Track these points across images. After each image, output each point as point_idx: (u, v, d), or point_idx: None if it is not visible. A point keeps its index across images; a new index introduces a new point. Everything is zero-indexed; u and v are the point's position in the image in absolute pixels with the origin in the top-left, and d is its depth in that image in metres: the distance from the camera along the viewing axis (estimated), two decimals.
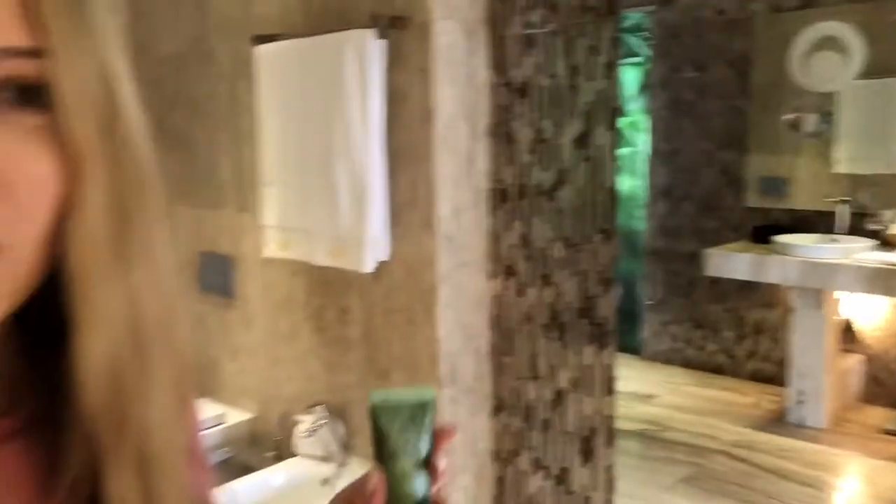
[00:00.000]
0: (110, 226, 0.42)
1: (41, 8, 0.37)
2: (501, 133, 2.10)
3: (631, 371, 4.10)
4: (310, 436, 2.33)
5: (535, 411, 2.15)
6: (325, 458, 2.31)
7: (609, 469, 2.03)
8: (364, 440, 2.30)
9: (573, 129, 1.97)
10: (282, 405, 2.53)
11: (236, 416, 2.63)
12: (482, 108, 2.10)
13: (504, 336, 2.18)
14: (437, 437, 0.49)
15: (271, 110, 2.25)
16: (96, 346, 0.43)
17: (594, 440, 2.04)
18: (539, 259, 2.07)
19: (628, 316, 4.36)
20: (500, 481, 2.26)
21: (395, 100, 2.04)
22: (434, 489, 0.49)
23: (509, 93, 2.07)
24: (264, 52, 2.25)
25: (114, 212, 0.42)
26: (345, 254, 2.12)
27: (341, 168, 2.07)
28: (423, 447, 0.49)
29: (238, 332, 2.69)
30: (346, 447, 2.33)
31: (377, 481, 0.47)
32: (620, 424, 2.15)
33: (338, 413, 2.37)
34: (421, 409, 0.50)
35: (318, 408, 2.39)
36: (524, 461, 2.19)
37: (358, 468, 2.27)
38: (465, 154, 2.07)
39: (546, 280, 2.07)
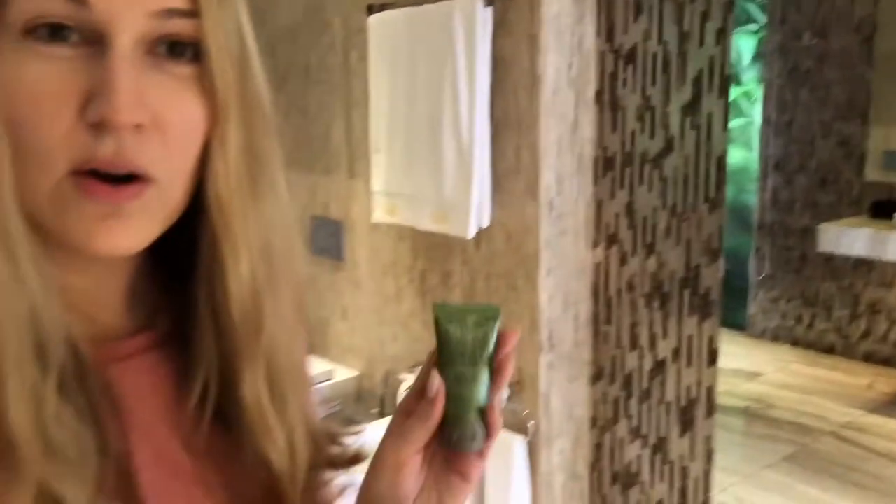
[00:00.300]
0: (245, 163, 0.49)
1: None
2: (608, 100, 2.09)
3: (737, 348, 4.02)
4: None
5: (634, 380, 2.15)
6: None
7: (708, 440, 2.03)
8: None
9: (682, 96, 1.94)
10: (386, 364, 2.62)
11: (343, 374, 2.75)
12: (589, 75, 2.09)
13: (605, 304, 2.19)
14: (500, 343, 0.52)
15: (382, 78, 2.32)
16: (241, 267, 0.50)
17: (694, 411, 2.04)
18: (643, 228, 2.07)
19: (735, 292, 4.25)
20: (598, 448, 2.28)
21: (502, 67, 2.07)
22: (494, 395, 0.52)
23: (617, 60, 2.06)
24: (376, 22, 2.31)
25: (248, 151, 0.49)
26: (448, 219, 2.17)
27: (447, 135, 2.11)
28: (483, 356, 0.51)
29: (347, 293, 2.79)
30: None
31: (438, 385, 0.51)
32: (724, 401, 2.14)
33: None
34: (483, 320, 0.51)
35: (420, 368, 2.47)
36: (622, 429, 2.21)
37: None
38: (570, 121, 2.07)
39: (649, 249, 2.06)
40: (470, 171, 2.07)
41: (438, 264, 2.41)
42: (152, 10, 0.43)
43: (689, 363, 2.03)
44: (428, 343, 2.20)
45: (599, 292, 2.19)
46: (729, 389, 2.98)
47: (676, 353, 2.05)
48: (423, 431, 0.52)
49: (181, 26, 0.45)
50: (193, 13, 0.44)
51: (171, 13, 0.44)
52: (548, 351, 2.13)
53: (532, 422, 2.16)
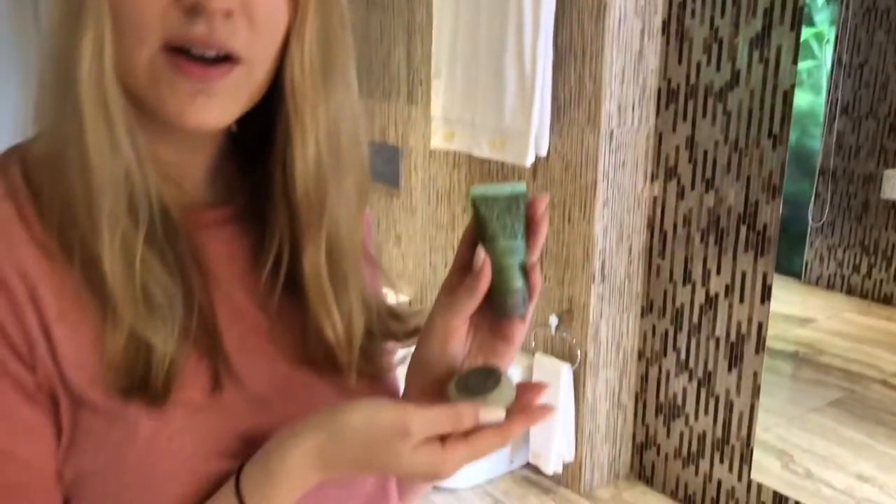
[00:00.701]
0: (320, 54, 0.53)
1: None
2: (674, 31, 2.06)
3: (790, 294, 3.97)
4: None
5: (684, 315, 2.17)
6: None
7: (755, 376, 2.04)
8: None
9: (751, 28, 1.90)
10: (437, 290, 2.67)
11: (394, 299, 2.80)
12: (656, 5, 2.06)
13: (659, 238, 2.19)
14: (531, 210, 0.56)
15: (446, 4, 2.30)
16: (308, 149, 0.55)
17: (743, 346, 2.05)
18: (703, 162, 2.05)
19: (792, 238, 4.17)
20: (643, 379, 2.31)
21: None
22: (531, 257, 0.56)
23: None
24: None
25: (323, 43, 0.52)
26: (506, 147, 2.18)
27: (509, 62, 2.10)
28: (519, 228, 0.56)
29: (401, 219, 2.83)
30: None
31: (484, 259, 0.55)
32: (773, 345, 2.13)
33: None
34: (515, 198, 0.56)
35: None
36: (669, 362, 2.23)
37: None
38: (635, 51, 2.05)
39: (708, 184, 2.05)
40: (531, 99, 2.07)
41: None
42: None
43: (741, 299, 2.03)
44: None
45: (655, 226, 2.19)
46: (779, 334, 2.95)
47: (729, 288, 2.05)
48: (469, 302, 0.55)
49: None
50: None
51: None
52: (599, 282, 2.15)
53: (580, 351, 2.19)
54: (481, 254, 0.55)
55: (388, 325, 0.64)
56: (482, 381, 0.52)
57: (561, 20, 2.06)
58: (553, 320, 2.18)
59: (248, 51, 0.50)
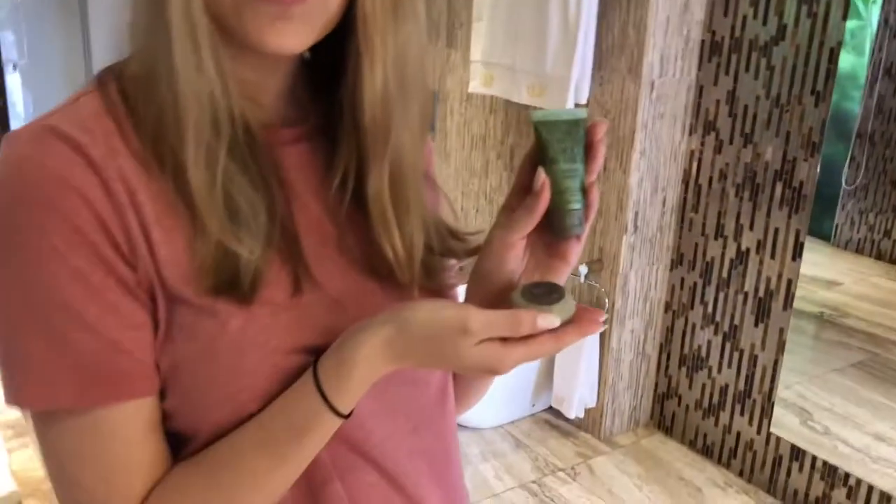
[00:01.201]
0: (370, 15, 0.55)
1: None
2: None
3: (818, 256, 3.95)
4: (477, 234, 2.49)
5: (713, 269, 2.18)
6: None
7: (781, 332, 2.06)
8: None
9: None
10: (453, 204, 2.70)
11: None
12: None
13: (694, 192, 2.19)
14: (590, 133, 0.58)
15: None
16: (377, 77, 0.58)
17: (771, 302, 2.07)
18: (742, 117, 2.04)
19: (824, 200, 4.15)
20: (669, 331, 2.34)
21: None
22: (590, 177, 0.59)
23: None
24: None
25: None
26: (546, 93, 2.18)
27: (554, 8, 2.09)
28: (579, 152, 0.58)
29: (434, 163, 2.85)
30: None
31: (543, 179, 0.58)
32: (798, 305, 2.14)
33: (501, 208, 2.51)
34: (575, 123, 0.58)
35: None
36: (696, 315, 2.26)
37: None
38: (681, 2, 2.03)
39: (746, 139, 2.05)
40: (573, 46, 2.06)
41: (530, 140, 2.44)
42: None
43: (772, 255, 2.04)
44: None
45: (690, 179, 2.20)
46: (805, 295, 2.96)
47: (760, 244, 2.06)
48: (528, 220, 0.58)
49: None
50: None
51: None
52: (632, 233, 2.17)
53: (608, 300, 2.22)
54: (541, 175, 0.58)
55: (448, 244, 0.67)
56: (547, 293, 0.55)
57: None
58: (583, 269, 2.21)
59: None
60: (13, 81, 4.12)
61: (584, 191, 0.59)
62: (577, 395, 2.28)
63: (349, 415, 0.54)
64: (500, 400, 2.33)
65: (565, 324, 0.54)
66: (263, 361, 0.54)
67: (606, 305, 2.22)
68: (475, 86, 2.42)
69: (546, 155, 0.58)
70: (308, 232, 0.60)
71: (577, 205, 0.59)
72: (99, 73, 0.57)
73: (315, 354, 0.55)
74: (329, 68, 0.62)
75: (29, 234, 0.50)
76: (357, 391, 0.54)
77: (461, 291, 0.69)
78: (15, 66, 4.22)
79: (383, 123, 0.59)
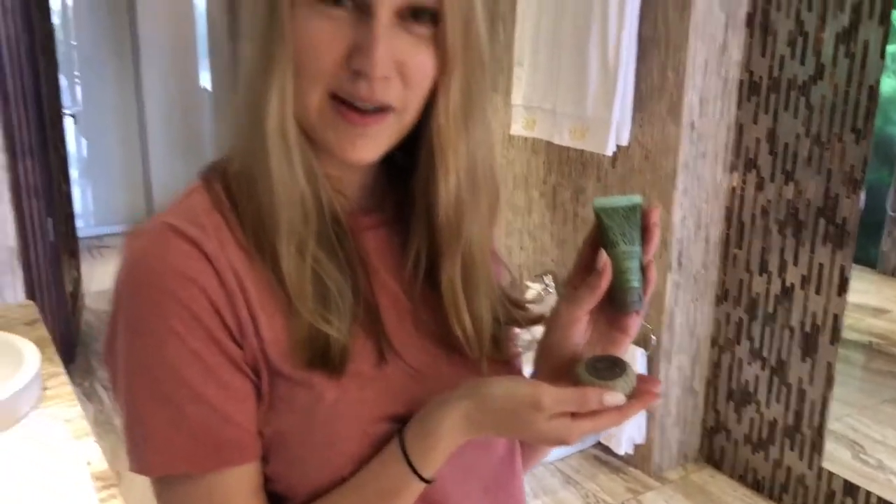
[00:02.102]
0: (462, 101, 0.62)
1: None
2: (759, 23, 2.07)
3: (864, 284, 3.92)
4: (537, 302, 2.53)
5: (759, 304, 2.20)
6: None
7: (829, 367, 2.07)
8: None
9: (838, 22, 1.91)
10: (512, 271, 2.74)
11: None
12: None
13: (737, 228, 2.22)
14: (645, 220, 0.64)
15: None
16: (450, 182, 0.64)
17: (818, 337, 2.08)
18: (783, 154, 2.07)
19: (869, 227, 4.12)
20: (716, 366, 2.36)
21: None
22: (647, 258, 0.64)
23: None
24: None
25: (465, 92, 0.62)
26: (587, 135, 2.23)
27: (593, 52, 2.15)
28: (636, 235, 0.64)
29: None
30: None
31: (605, 260, 0.63)
32: (846, 334, 2.15)
33: (565, 284, 2.55)
34: (632, 209, 0.64)
35: (546, 277, 2.58)
36: (742, 350, 2.27)
37: None
38: (719, 43, 2.07)
39: (788, 176, 2.07)
40: (613, 89, 2.12)
41: (571, 179, 2.49)
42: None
43: (817, 291, 2.05)
44: (553, 254, 2.32)
45: (733, 216, 2.22)
46: (852, 324, 2.95)
47: (805, 280, 2.07)
48: (592, 298, 0.64)
49: (425, 1, 0.58)
50: None
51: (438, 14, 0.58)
52: (676, 270, 2.20)
53: (654, 337, 2.25)
54: (603, 256, 0.63)
55: (511, 314, 0.73)
56: (610, 367, 0.61)
57: (646, 11, 2.10)
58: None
59: (400, 102, 0.60)
60: (68, 128, 4.27)
61: (643, 269, 0.64)
62: (626, 431, 2.30)
63: (432, 479, 0.60)
64: None
65: (629, 396, 0.59)
66: (355, 429, 0.60)
67: (653, 342, 2.25)
68: (517, 129, 2.48)
69: (607, 238, 0.64)
70: (387, 308, 0.65)
71: (636, 283, 0.64)
72: (203, 170, 0.64)
73: (399, 422, 0.61)
74: (405, 160, 0.68)
75: (154, 320, 0.57)
76: (440, 459, 0.59)
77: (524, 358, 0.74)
78: (71, 115, 4.39)
79: (455, 223, 0.65)
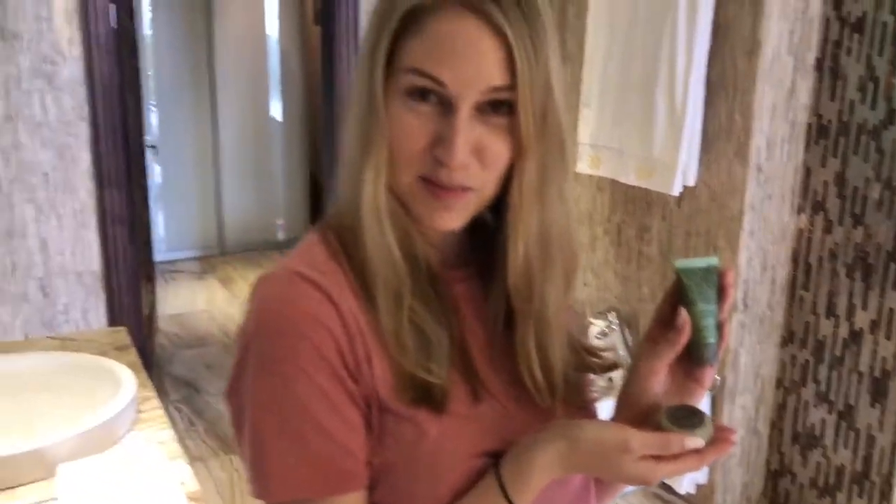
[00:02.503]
0: (537, 180, 0.69)
1: (513, 61, 0.63)
2: (828, 68, 2.09)
3: None
4: (601, 338, 2.55)
5: (826, 347, 2.19)
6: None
7: None
8: None
9: None
10: (576, 307, 2.77)
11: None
12: (811, 42, 2.09)
13: (804, 270, 2.22)
14: (721, 280, 0.69)
15: (599, 36, 2.41)
16: (519, 253, 0.70)
17: (888, 382, 2.05)
18: (852, 198, 2.07)
19: None
20: (781, 408, 2.34)
21: (722, 32, 2.11)
22: (722, 315, 0.69)
23: (843, 27, 2.04)
24: None
25: (540, 172, 0.68)
26: (653, 175, 2.26)
27: (660, 94, 2.19)
28: (713, 294, 0.69)
29: None
30: (634, 352, 2.53)
31: (685, 318, 0.68)
32: None
33: (628, 321, 2.57)
34: (709, 270, 0.69)
35: (609, 314, 2.61)
36: (808, 392, 2.25)
37: None
38: (787, 87, 2.09)
39: (856, 220, 2.07)
40: (680, 131, 2.15)
41: (636, 218, 2.52)
42: (484, 88, 0.64)
43: (887, 336, 2.03)
44: (616, 291, 2.34)
45: (800, 258, 2.22)
46: None
47: (875, 324, 2.06)
48: (671, 352, 0.69)
49: (501, 94, 0.64)
50: (511, 86, 0.64)
51: (497, 89, 0.64)
52: (741, 311, 2.20)
53: (718, 377, 2.25)
54: (683, 314, 0.68)
55: (586, 361, 0.78)
56: (689, 416, 0.66)
57: (714, 55, 2.13)
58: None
59: (479, 183, 0.67)
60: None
61: (718, 326, 0.69)
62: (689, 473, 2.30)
63: None
64: None
65: (706, 445, 0.64)
66: (455, 462, 0.66)
67: (717, 382, 2.25)
68: (583, 167, 2.52)
69: (686, 297, 0.69)
70: (477, 352, 0.72)
71: (712, 339, 0.69)
72: (320, 223, 0.72)
73: (492, 456, 0.67)
74: (494, 220, 0.75)
75: (286, 359, 0.63)
76: (533, 493, 0.65)
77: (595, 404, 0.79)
78: (152, 146, 4.58)
79: (525, 288, 0.71)
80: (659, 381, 0.71)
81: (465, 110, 0.64)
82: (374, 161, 0.66)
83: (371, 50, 0.66)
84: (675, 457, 0.63)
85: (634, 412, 0.71)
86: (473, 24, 0.63)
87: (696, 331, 0.68)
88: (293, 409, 0.63)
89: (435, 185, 0.66)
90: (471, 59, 0.63)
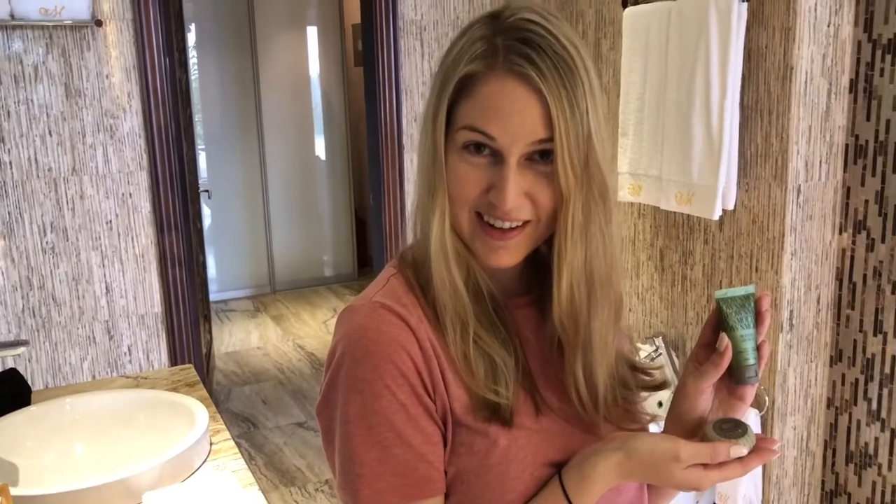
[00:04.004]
0: (581, 223, 0.76)
1: (552, 117, 0.71)
2: (862, 89, 2.12)
3: None
4: (656, 367, 2.58)
5: (875, 365, 2.19)
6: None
7: None
8: None
9: None
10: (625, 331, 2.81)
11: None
12: (844, 64, 2.13)
13: (848, 289, 2.23)
14: (758, 306, 0.76)
15: (633, 67, 2.48)
16: (563, 288, 0.78)
17: None
18: (893, 216, 2.09)
19: None
20: (833, 427, 2.34)
21: (755, 58, 2.16)
22: (760, 338, 0.76)
23: (875, 49, 2.08)
24: (630, 13, 2.47)
25: (583, 211, 0.76)
26: (693, 201, 2.31)
27: (697, 121, 2.24)
28: (751, 319, 0.76)
29: None
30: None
31: (727, 343, 0.75)
32: None
33: (674, 345, 2.60)
34: (747, 297, 0.76)
35: (656, 339, 2.64)
36: (860, 411, 2.25)
37: None
38: (822, 109, 2.13)
39: None
40: (718, 156, 2.19)
41: (679, 242, 2.56)
42: (529, 141, 0.72)
43: None
44: (662, 316, 2.38)
45: (844, 277, 2.24)
46: None
47: None
48: (715, 373, 0.76)
49: (545, 146, 0.73)
50: (550, 139, 0.72)
51: (540, 141, 0.73)
52: (787, 331, 2.22)
53: (767, 397, 2.26)
54: (724, 339, 0.76)
55: (637, 380, 0.85)
56: (733, 428, 0.73)
57: (748, 81, 2.18)
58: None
59: (533, 216, 0.75)
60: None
61: (757, 348, 0.76)
62: (742, 493, 2.31)
63: None
64: None
65: (749, 452, 0.71)
66: (524, 472, 0.74)
67: (766, 402, 2.27)
68: (624, 195, 2.58)
69: (727, 323, 0.76)
70: (539, 371, 0.80)
71: (752, 360, 0.76)
72: (397, 258, 0.82)
73: (555, 466, 0.75)
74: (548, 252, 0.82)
75: (372, 379, 0.72)
76: (593, 499, 0.73)
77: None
78: (206, 190, 4.76)
79: (570, 322, 0.79)
80: (705, 399, 0.78)
81: (513, 160, 0.72)
82: (440, 206, 0.75)
83: (433, 113, 0.76)
84: (721, 465, 0.70)
85: (683, 426, 0.79)
86: (515, 85, 0.72)
87: (737, 353, 0.76)
88: (379, 422, 0.72)
89: (491, 228, 0.74)
90: (515, 115, 0.72)
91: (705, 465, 0.70)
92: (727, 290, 0.77)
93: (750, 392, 0.78)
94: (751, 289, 0.76)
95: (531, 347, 0.81)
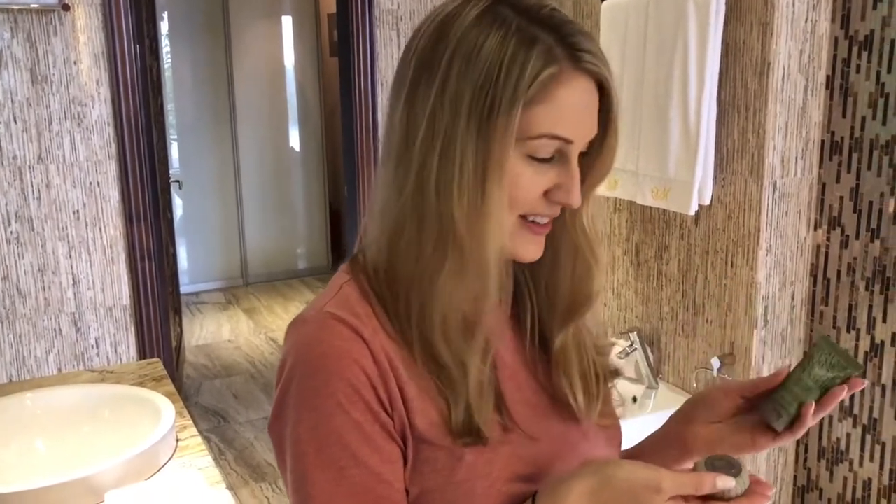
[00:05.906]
0: (589, 229, 0.77)
1: (611, 112, 0.73)
2: (839, 86, 2.12)
3: None
4: (623, 358, 2.58)
5: None
6: (635, 380, 2.55)
7: None
8: (672, 367, 2.50)
9: None
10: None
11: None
12: (820, 61, 2.13)
13: (823, 285, 2.24)
14: (834, 389, 0.72)
15: (610, 60, 2.46)
16: (586, 268, 0.78)
17: None
18: (868, 213, 2.10)
19: None
20: None
21: (732, 53, 2.15)
22: (815, 411, 0.72)
23: (851, 46, 2.08)
24: (608, 6, 2.46)
25: (595, 200, 0.76)
26: (669, 196, 2.30)
27: (674, 116, 2.23)
28: (829, 379, 0.71)
29: None
30: (656, 371, 2.55)
31: (786, 370, 0.74)
32: None
33: (649, 340, 2.59)
34: (846, 368, 0.71)
35: (631, 334, 2.63)
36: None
37: (666, 391, 2.49)
38: (798, 105, 2.13)
39: (874, 234, 2.09)
40: (695, 151, 2.19)
41: (655, 237, 2.55)
42: (590, 138, 0.73)
43: None
44: (637, 311, 2.37)
45: (818, 273, 2.24)
46: None
47: (895, 336, 2.07)
48: (752, 386, 0.76)
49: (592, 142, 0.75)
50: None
51: (591, 141, 0.74)
52: (762, 327, 2.22)
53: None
54: (785, 371, 0.74)
55: (598, 361, 0.84)
56: (726, 467, 0.66)
57: (725, 76, 2.17)
58: (715, 362, 2.27)
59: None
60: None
61: (800, 408, 0.72)
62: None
63: None
64: None
65: (739, 497, 0.65)
66: (491, 487, 0.70)
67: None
68: (600, 189, 2.56)
69: (808, 361, 0.72)
70: (507, 382, 0.76)
71: (792, 410, 0.72)
72: (347, 264, 0.76)
73: (525, 480, 0.71)
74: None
75: (323, 396, 0.67)
76: None
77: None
78: (177, 181, 4.68)
79: (581, 299, 0.79)
80: (722, 409, 0.78)
81: (576, 158, 0.72)
82: (496, 218, 0.68)
83: (492, 125, 0.67)
84: (706, 501, 0.64)
85: (694, 423, 0.79)
86: (587, 84, 0.70)
87: (787, 391, 0.72)
88: (331, 440, 0.67)
89: (534, 224, 0.72)
90: (589, 116, 0.71)
91: (686, 499, 0.64)
92: (832, 345, 0.71)
93: (766, 439, 0.75)
94: (853, 365, 0.71)
95: (499, 356, 0.76)
